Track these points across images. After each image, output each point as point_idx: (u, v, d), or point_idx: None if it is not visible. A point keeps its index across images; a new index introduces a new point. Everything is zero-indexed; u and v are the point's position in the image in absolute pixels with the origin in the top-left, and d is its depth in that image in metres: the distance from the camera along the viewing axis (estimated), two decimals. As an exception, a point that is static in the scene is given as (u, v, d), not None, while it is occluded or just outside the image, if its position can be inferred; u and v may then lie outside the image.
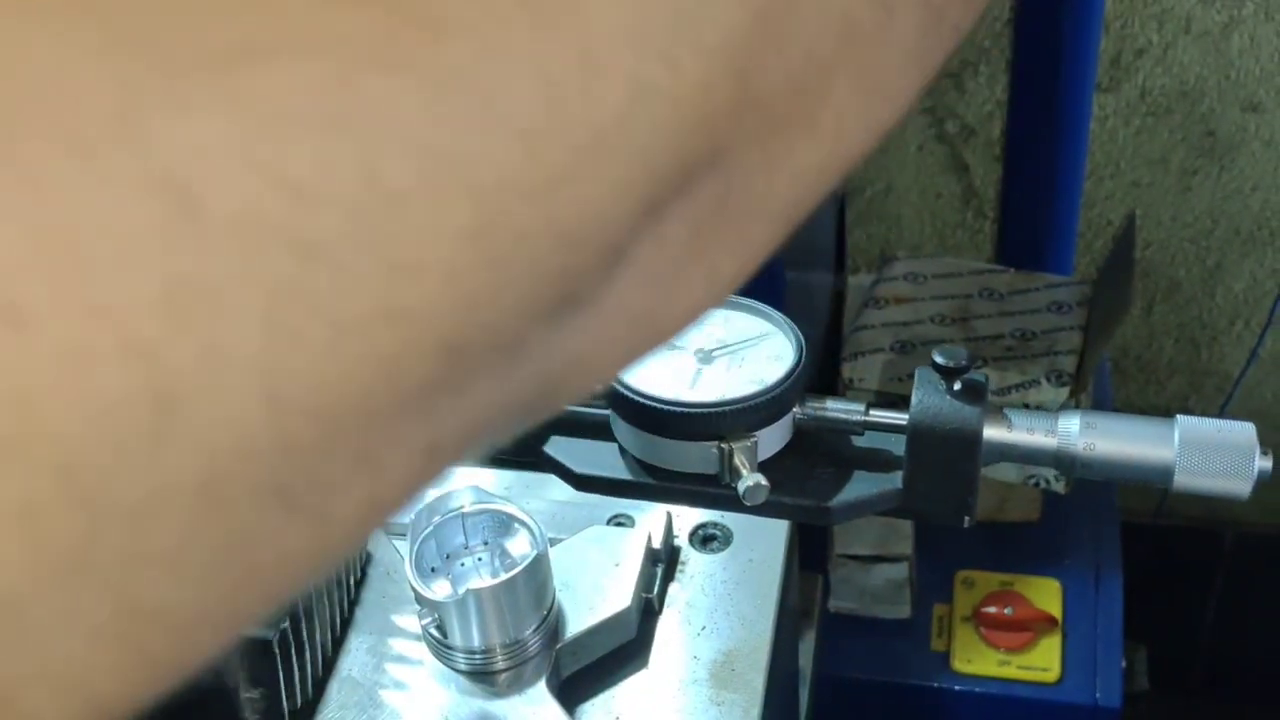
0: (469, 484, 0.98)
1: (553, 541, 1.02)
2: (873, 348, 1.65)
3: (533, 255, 0.23)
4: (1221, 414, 2.32)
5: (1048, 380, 1.57)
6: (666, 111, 0.24)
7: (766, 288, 1.34)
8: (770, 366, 0.76)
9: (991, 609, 1.64)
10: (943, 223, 2.33)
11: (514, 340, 0.24)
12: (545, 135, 0.23)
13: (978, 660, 1.63)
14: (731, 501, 0.74)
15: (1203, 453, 0.72)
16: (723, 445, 0.73)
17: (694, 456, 0.75)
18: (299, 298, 0.21)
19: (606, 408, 0.78)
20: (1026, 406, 1.62)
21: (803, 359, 0.76)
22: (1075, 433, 0.73)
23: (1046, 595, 1.67)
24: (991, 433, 0.73)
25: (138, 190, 0.19)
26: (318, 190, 0.21)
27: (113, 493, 0.20)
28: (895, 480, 0.76)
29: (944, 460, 0.73)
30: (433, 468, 0.25)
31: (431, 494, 0.98)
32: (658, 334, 0.30)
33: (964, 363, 0.73)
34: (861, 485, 0.76)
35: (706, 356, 0.77)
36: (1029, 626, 1.63)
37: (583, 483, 0.79)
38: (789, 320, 0.79)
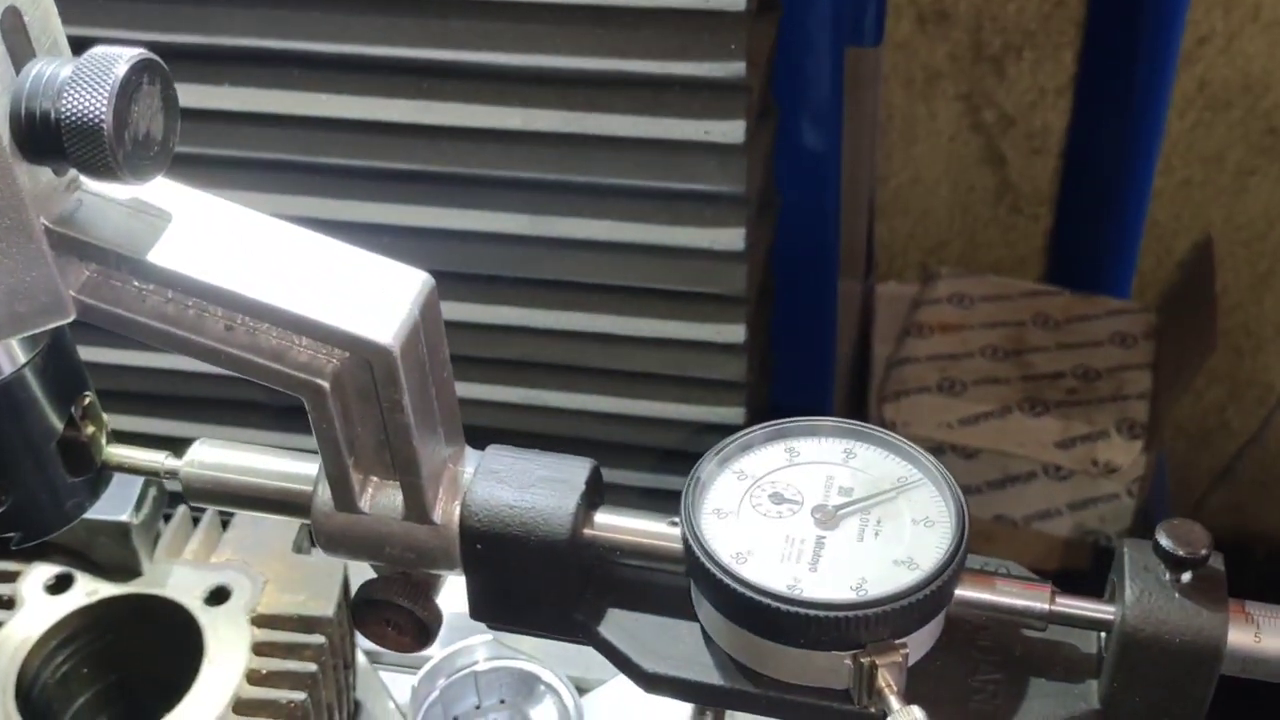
0: (485, 639, 0.78)
1: (581, 689, 0.82)
2: (918, 386, 1.45)
3: None
4: (1263, 428, 2.14)
5: (1119, 432, 1.38)
6: None
7: (816, 299, 1.16)
8: (918, 537, 0.55)
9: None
10: (974, 218, 2.13)
11: None
12: None
13: None
14: (866, 723, 0.53)
15: None
16: (861, 659, 0.52)
17: (816, 668, 0.54)
18: None
19: (683, 570, 0.57)
20: (1095, 464, 1.44)
21: (966, 529, 0.55)
22: (1352, 646, 0.53)
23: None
24: (1236, 640, 0.53)
25: None
26: None
27: None
28: (1089, 694, 0.55)
29: (1170, 676, 0.53)
30: None
31: (440, 653, 0.78)
32: None
33: (1202, 552, 0.52)
34: (1043, 703, 0.55)
35: (829, 517, 0.56)
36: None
37: (655, 683, 0.58)
38: (936, 461, 0.57)
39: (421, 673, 0.80)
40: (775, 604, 0.52)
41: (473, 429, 0.86)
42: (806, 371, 1.11)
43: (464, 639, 0.82)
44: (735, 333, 0.93)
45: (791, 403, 1.16)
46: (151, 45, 0.86)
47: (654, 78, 0.83)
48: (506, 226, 0.91)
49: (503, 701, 0.84)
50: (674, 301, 0.93)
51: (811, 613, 0.52)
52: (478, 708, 0.84)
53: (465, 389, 1.03)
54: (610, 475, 0.58)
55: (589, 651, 0.72)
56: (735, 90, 0.82)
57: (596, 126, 0.85)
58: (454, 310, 0.96)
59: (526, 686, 0.83)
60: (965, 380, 1.47)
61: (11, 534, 0.63)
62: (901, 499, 0.57)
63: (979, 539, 1.70)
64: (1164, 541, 0.52)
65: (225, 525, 0.87)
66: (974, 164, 2.06)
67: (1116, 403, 1.46)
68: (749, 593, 0.53)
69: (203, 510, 0.87)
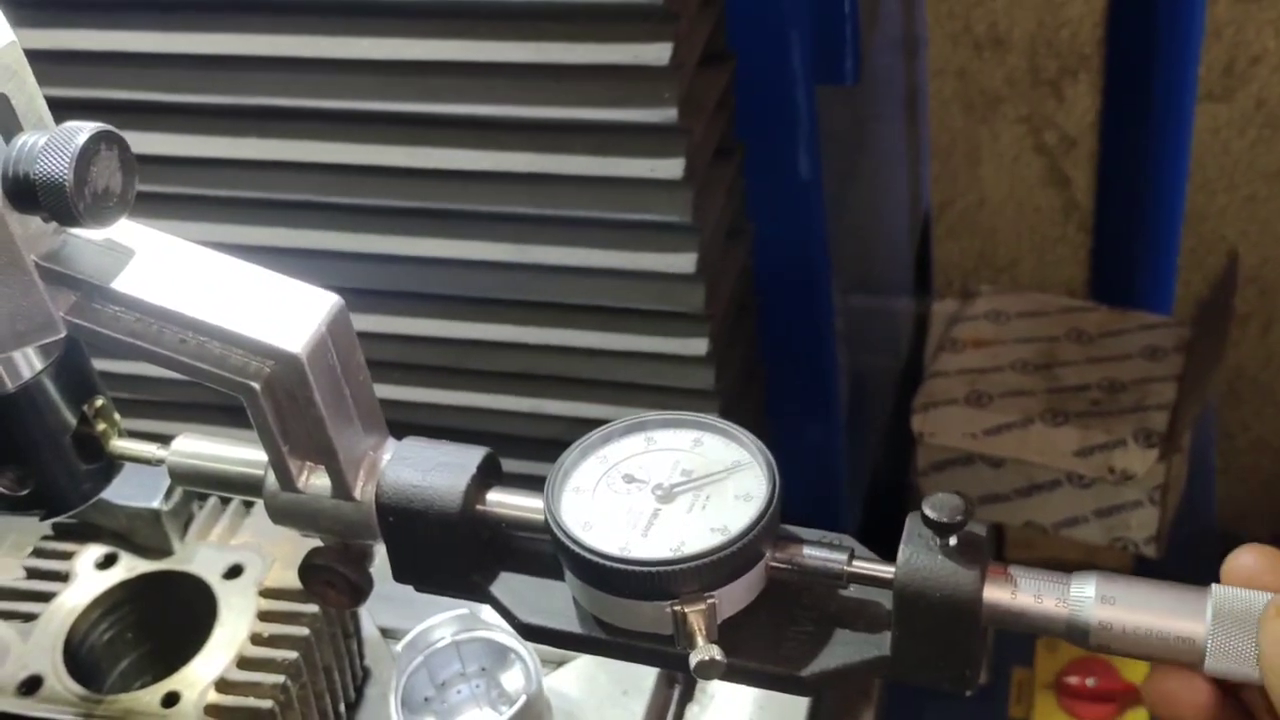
0: (456, 612, 0.90)
1: (560, 663, 0.94)
2: (946, 399, 1.52)
3: None
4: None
5: (1135, 441, 1.44)
6: None
7: (806, 315, 1.25)
8: (736, 509, 0.66)
9: (1074, 679, 1.51)
10: (1041, 237, 2.19)
11: None
12: None
13: (1059, 731, 1.51)
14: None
15: (1241, 630, 0.60)
16: (675, 608, 0.63)
17: (646, 616, 0.65)
18: None
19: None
20: (1112, 471, 1.50)
21: (774, 502, 0.65)
22: (1090, 601, 0.62)
23: (1135, 662, 1.53)
24: (993, 596, 0.63)
25: None
26: None
27: None
28: (883, 644, 0.65)
29: (937, 627, 0.63)
30: None
31: (420, 626, 0.91)
32: None
33: (959, 517, 0.62)
34: (843, 649, 0.65)
35: (667, 494, 0.67)
36: (1113, 698, 1.50)
37: (530, 632, 0.69)
38: (765, 449, 0.68)
39: (402, 643, 0.93)
40: (605, 562, 0.64)
41: (482, 435, 0.99)
42: (803, 380, 1.21)
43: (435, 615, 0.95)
44: (699, 346, 1.04)
45: (789, 408, 1.24)
46: (185, 106, 1.02)
47: (603, 123, 0.95)
48: (495, 255, 1.03)
49: (483, 669, 0.96)
50: (644, 319, 1.04)
51: (632, 569, 0.63)
52: (462, 674, 0.96)
53: (473, 399, 1.16)
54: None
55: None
56: (672, 132, 0.94)
57: (559, 166, 0.98)
58: (458, 329, 1.10)
59: (500, 655, 0.94)
60: (992, 393, 1.55)
61: (37, 511, 0.78)
62: (730, 479, 0.67)
63: (1017, 546, 1.79)
64: (927, 511, 0.62)
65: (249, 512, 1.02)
66: (1038, 185, 2.13)
67: (1136, 413, 1.51)
68: (585, 553, 0.64)
69: (229, 500, 1.01)
